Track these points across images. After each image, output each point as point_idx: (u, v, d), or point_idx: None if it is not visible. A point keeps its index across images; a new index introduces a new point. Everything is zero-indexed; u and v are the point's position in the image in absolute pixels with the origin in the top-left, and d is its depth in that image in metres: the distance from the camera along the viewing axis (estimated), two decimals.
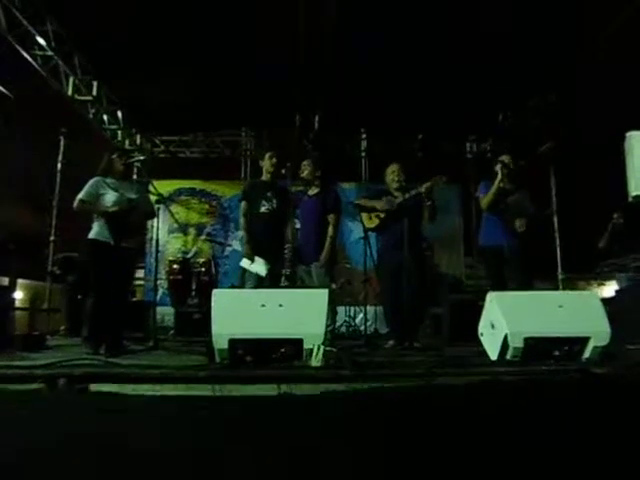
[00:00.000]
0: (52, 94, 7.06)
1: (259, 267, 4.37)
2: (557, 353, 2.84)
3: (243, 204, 4.60)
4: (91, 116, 8.08)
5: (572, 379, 2.44)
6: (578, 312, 2.95)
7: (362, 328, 6.27)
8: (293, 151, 8.64)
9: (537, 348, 2.84)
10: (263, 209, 4.49)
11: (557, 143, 8.02)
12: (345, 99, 7.48)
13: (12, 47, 5.92)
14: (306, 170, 4.69)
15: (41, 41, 6.17)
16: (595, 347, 2.83)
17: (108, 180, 3.98)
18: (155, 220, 4.52)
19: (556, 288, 7.91)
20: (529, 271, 4.43)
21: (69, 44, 6.67)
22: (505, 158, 4.48)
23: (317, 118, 8.43)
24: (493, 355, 2.97)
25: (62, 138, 6.88)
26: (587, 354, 2.84)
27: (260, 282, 4.34)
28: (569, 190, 8.55)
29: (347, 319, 7.20)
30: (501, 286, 4.10)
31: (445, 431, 1.92)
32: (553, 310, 2.93)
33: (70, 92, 7.26)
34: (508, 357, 2.86)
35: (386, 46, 6.33)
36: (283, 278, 5.17)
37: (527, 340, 2.82)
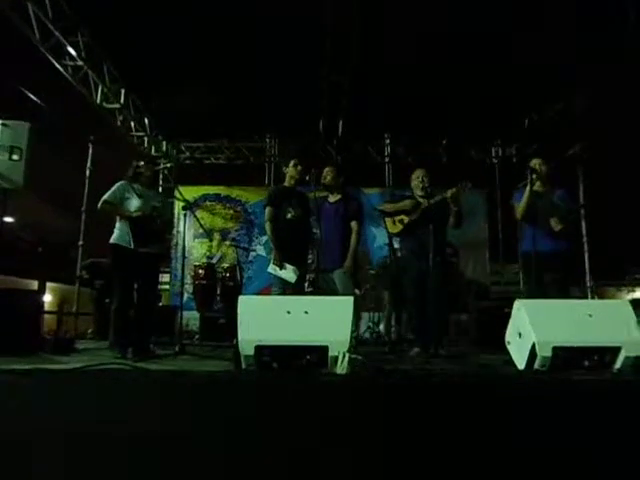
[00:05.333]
0: (81, 102, 7.22)
1: (288, 274, 4.31)
2: (587, 363, 2.77)
3: (268, 209, 4.53)
4: (119, 123, 8.23)
5: (602, 388, 2.38)
6: (609, 321, 2.87)
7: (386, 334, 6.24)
8: (317, 157, 8.68)
9: (566, 358, 2.76)
10: (289, 215, 4.48)
11: (585, 146, 7.87)
12: (369, 104, 7.48)
13: (44, 57, 6.07)
14: (328, 176, 4.66)
15: (72, 52, 6.30)
16: (627, 357, 2.76)
17: (134, 186, 4.07)
18: (181, 225, 4.57)
19: (585, 296, 7.76)
20: (571, 276, 4.28)
21: (99, 54, 6.81)
22: (535, 162, 4.38)
23: (341, 123, 8.44)
24: (520, 364, 2.92)
25: (91, 145, 7.02)
26: (618, 364, 2.76)
27: (286, 288, 4.35)
28: (598, 194, 8.38)
29: (371, 325, 7.17)
30: (539, 293, 4.02)
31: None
32: (583, 319, 2.85)
33: (99, 100, 7.41)
34: (536, 367, 2.80)
35: (412, 50, 6.30)
36: (307, 284, 5.19)
37: (556, 349, 2.75)
